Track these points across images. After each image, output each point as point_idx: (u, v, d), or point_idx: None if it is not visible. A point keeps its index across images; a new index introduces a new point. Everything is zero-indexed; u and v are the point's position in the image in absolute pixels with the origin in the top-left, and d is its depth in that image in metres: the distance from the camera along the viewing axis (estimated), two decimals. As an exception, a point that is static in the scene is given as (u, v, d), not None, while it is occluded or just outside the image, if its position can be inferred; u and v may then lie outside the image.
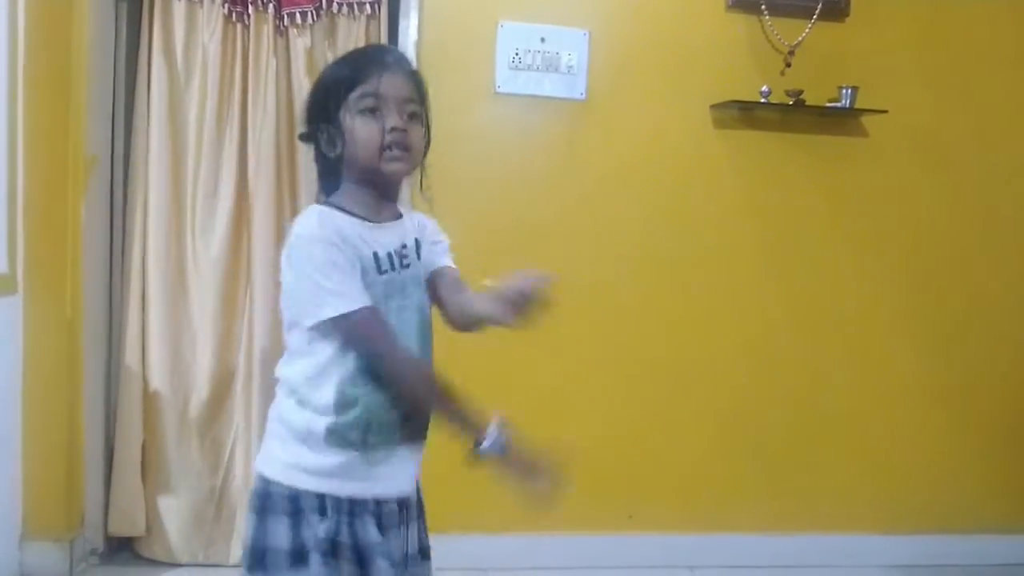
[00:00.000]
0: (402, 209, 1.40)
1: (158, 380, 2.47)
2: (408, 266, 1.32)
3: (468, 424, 1.32)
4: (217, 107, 2.45)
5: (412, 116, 1.28)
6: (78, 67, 2.30)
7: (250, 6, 2.43)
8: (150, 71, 2.43)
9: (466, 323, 1.40)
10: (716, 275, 2.66)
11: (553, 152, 2.57)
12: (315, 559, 1.22)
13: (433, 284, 1.40)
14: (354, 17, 2.47)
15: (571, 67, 2.53)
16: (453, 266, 1.41)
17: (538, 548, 2.63)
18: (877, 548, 2.78)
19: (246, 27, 2.45)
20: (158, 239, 2.45)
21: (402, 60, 1.33)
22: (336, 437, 1.26)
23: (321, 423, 1.25)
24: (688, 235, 2.64)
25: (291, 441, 1.28)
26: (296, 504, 1.25)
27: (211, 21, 2.44)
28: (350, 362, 1.26)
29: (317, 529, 1.24)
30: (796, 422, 2.72)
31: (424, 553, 1.41)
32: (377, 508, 1.29)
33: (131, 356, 2.45)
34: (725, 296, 2.66)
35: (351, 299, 1.22)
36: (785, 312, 2.70)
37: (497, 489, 2.67)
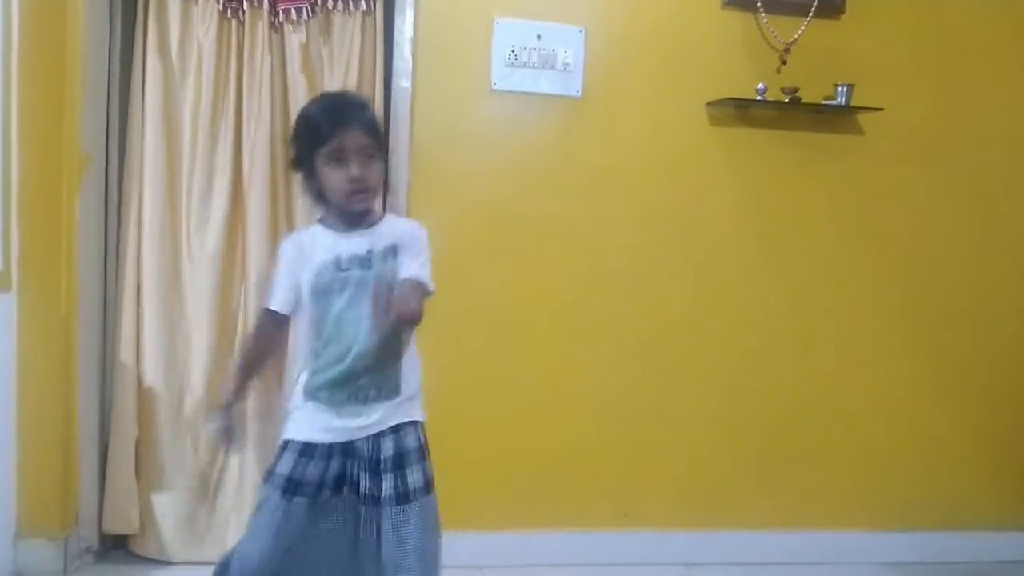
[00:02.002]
0: (387, 218, 1.71)
1: (152, 377, 2.46)
2: (371, 267, 1.61)
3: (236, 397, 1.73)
4: (212, 104, 2.45)
5: (370, 157, 1.60)
6: (72, 64, 2.30)
7: (245, 2, 2.43)
8: (145, 68, 2.43)
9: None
10: (712, 272, 2.66)
11: (549, 149, 2.57)
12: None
13: None
14: (349, 13, 2.47)
15: (567, 64, 2.53)
16: (406, 276, 1.62)
17: (534, 545, 2.63)
18: (873, 545, 2.78)
19: (241, 23, 2.45)
20: (153, 236, 2.44)
21: (359, 112, 1.63)
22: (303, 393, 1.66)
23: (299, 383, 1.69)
24: (684, 232, 2.64)
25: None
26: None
27: (206, 17, 2.43)
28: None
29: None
30: (791, 419, 2.72)
31: (401, 498, 1.63)
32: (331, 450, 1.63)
33: (126, 353, 2.45)
34: (721, 293, 2.67)
35: (271, 297, 1.67)
36: (781, 309, 2.70)
37: (493, 488, 2.69)
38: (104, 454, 2.50)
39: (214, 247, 2.47)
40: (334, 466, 1.62)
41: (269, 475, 1.64)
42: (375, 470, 1.63)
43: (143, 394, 2.47)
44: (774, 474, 2.73)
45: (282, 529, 1.60)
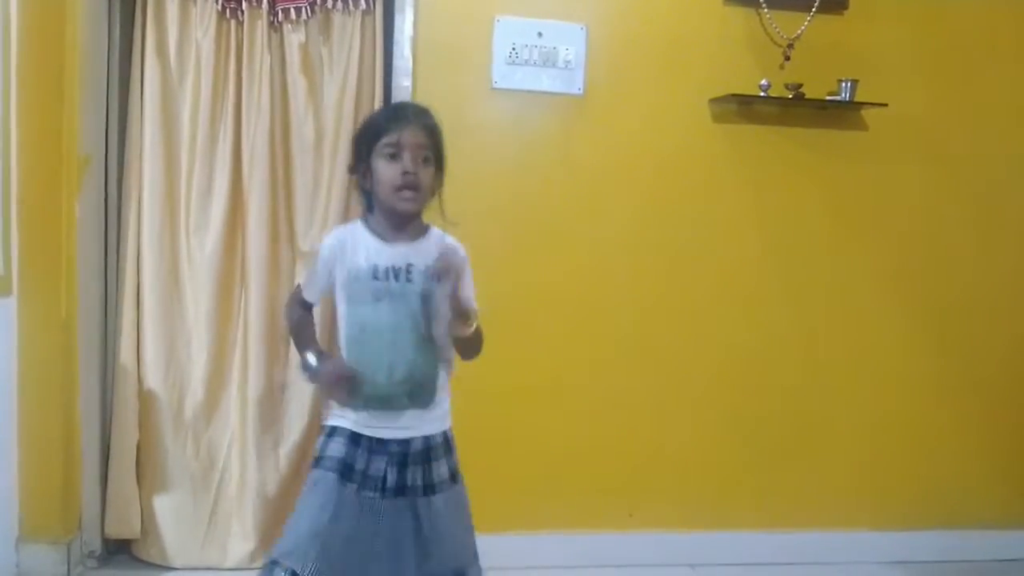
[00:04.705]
0: (432, 231, 1.70)
1: (153, 380, 2.45)
2: (411, 281, 1.61)
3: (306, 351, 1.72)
4: (211, 104, 2.43)
5: (425, 160, 1.61)
6: (71, 66, 2.28)
7: (244, 2, 2.41)
8: (143, 69, 2.42)
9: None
10: (715, 270, 2.64)
11: (551, 148, 2.56)
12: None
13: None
14: (349, 13, 2.45)
15: (569, 62, 2.52)
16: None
17: (538, 546, 2.62)
18: (876, 544, 2.77)
19: (240, 23, 2.43)
20: (152, 238, 2.43)
21: (421, 115, 1.65)
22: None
23: None
24: (687, 230, 2.62)
25: None
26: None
27: (204, 18, 2.42)
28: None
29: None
30: (796, 418, 2.71)
31: (427, 489, 1.65)
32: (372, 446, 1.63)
33: (126, 356, 2.44)
34: (724, 291, 2.65)
35: (307, 286, 1.75)
36: (784, 307, 2.69)
37: (497, 489, 2.67)
38: (106, 457, 2.49)
39: (214, 248, 2.46)
40: (376, 463, 1.62)
41: (320, 459, 1.63)
42: (403, 464, 1.63)
43: (144, 396, 2.46)
44: (778, 474, 2.72)
45: (337, 511, 1.58)
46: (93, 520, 2.45)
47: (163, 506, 2.48)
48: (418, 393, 1.63)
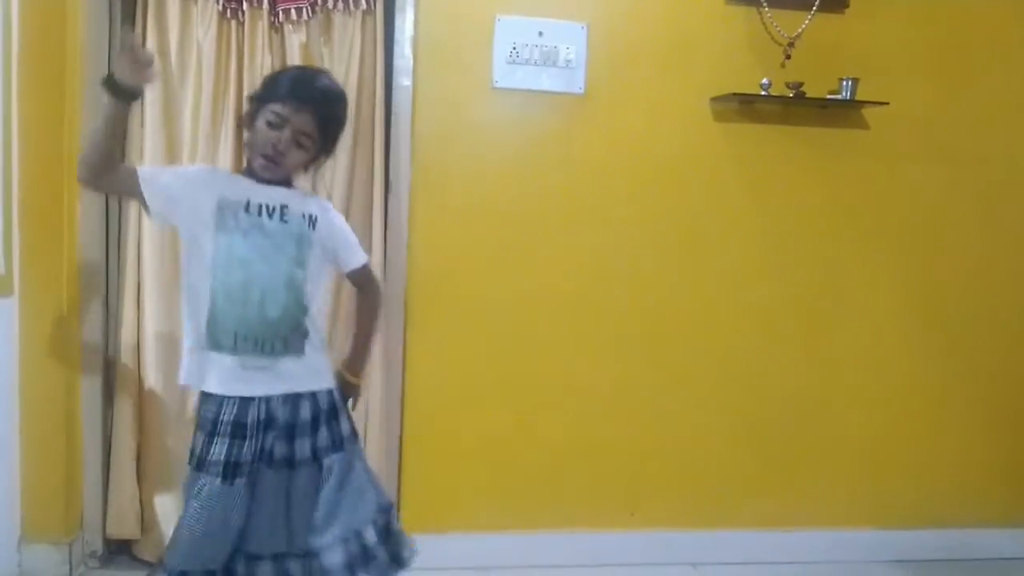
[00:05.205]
0: (299, 186, 1.75)
1: (154, 380, 2.45)
2: (287, 222, 1.65)
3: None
4: (212, 104, 2.43)
5: (299, 145, 1.64)
6: (72, 66, 2.28)
7: (244, 2, 2.41)
8: (144, 69, 2.41)
9: None
10: (717, 269, 2.64)
11: (552, 147, 2.55)
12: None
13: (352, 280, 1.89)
14: (350, 13, 2.45)
15: (569, 61, 2.52)
16: (356, 267, 1.84)
17: (540, 546, 2.62)
18: (879, 543, 2.77)
19: (241, 23, 2.43)
20: (153, 238, 2.43)
21: (323, 101, 1.66)
22: None
23: None
24: (688, 229, 2.62)
25: None
26: None
27: (205, 18, 2.41)
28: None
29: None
30: (797, 417, 2.71)
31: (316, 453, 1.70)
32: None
33: (127, 356, 2.44)
34: (726, 290, 2.65)
35: (150, 168, 1.81)
36: (786, 306, 2.69)
37: (498, 488, 2.67)
38: (107, 458, 2.48)
39: (215, 249, 2.45)
40: (262, 439, 1.64)
41: (201, 462, 1.66)
42: (290, 435, 1.65)
43: (145, 397, 2.46)
44: (780, 473, 2.72)
45: (223, 514, 1.63)
46: (94, 520, 2.46)
47: (164, 506, 2.48)
48: (292, 338, 1.64)
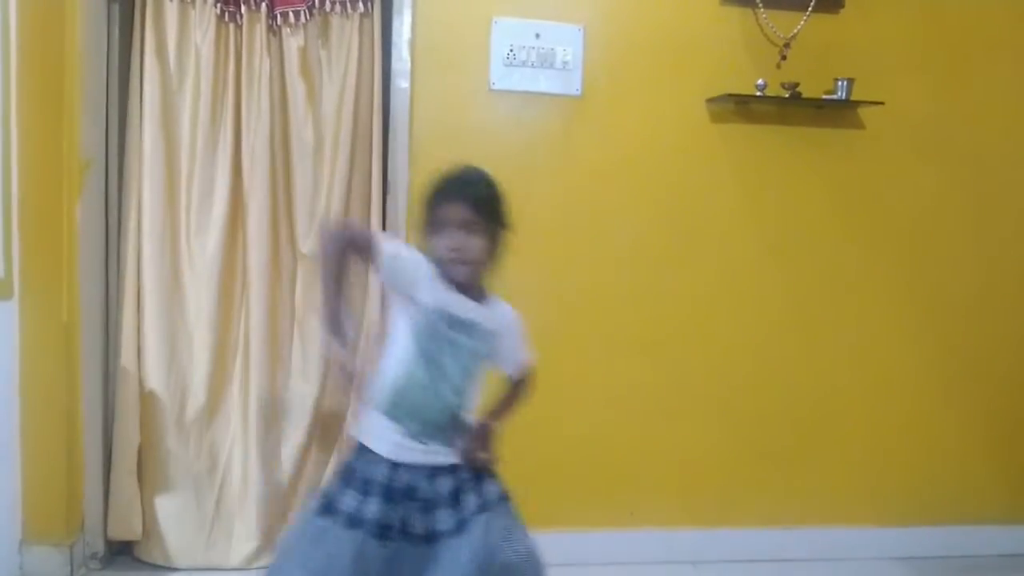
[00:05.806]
0: (492, 298, 1.73)
1: (154, 382, 2.46)
2: (472, 338, 1.65)
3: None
4: (211, 107, 2.44)
5: (472, 232, 1.62)
6: (71, 70, 2.29)
7: (242, 6, 2.42)
8: (143, 72, 2.42)
9: None
10: (715, 270, 2.65)
11: (549, 149, 2.56)
12: None
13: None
14: (347, 16, 2.46)
15: (566, 63, 2.53)
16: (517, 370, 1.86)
17: (539, 545, 2.61)
18: (879, 541, 2.78)
19: (239, 27, 2.45)
20: (153, 241, 2.44)
21: (469, 186, 1.69)
22: None
23: None
24: (686, 230, 2.63)
25: None
26: None
27: (203, 21, 2.43)
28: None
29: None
30: (796, 415, 2.72)
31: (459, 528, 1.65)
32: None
33: (127, 358, 2.44)
34: (724, 291, 2.66)
35: (392, 244, 1.66)
36: (784, 306, 2.69)
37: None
38: (108, 459, 2.49)
39: (214, 251, 2.46)
40: (399, 508, 1.59)
41: (328, 503, 1.60)
42: (430, 507, 1.62)
43: (145, 398, 2.47)
44: (780, 471, 2.72)
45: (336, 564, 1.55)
46: (96, 522, 2.46)
47: (165, 507, 2.49)
48: (447, 435, 1.66)
